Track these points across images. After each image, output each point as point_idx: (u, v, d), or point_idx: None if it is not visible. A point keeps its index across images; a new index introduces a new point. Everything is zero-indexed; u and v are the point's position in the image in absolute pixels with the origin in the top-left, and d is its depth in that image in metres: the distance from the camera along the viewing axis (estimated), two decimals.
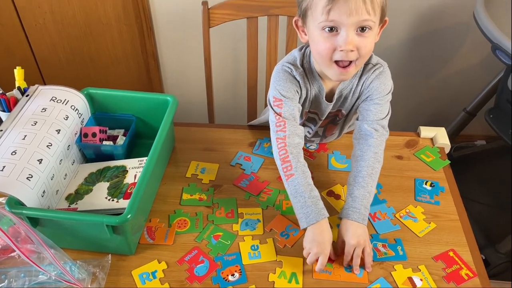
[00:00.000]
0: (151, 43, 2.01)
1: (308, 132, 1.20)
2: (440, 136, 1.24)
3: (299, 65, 1.02)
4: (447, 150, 1.23)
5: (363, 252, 0.94)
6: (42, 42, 2.04)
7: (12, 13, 1.93)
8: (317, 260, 0.92)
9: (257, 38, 1.49)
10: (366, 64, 1.02)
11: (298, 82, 1.02)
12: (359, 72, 1.03)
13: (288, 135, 1.00)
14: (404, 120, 2.30)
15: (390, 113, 1.06)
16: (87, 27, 1.98)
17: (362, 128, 1.03)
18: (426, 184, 1.13)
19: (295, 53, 1.05)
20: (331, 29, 0.88)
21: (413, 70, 2.10)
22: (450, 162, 1.19)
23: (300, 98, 1.04)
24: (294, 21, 0.98)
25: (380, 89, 1.02)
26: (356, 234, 0.94)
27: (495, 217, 2.03)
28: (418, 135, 1.27)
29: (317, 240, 0.93)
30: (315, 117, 1.13)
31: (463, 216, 1.06)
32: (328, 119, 1.13)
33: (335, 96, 1.05)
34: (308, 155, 1.21)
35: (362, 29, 0.88)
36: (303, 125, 1.17)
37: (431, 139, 1.26)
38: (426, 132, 1.26)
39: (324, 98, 1.05)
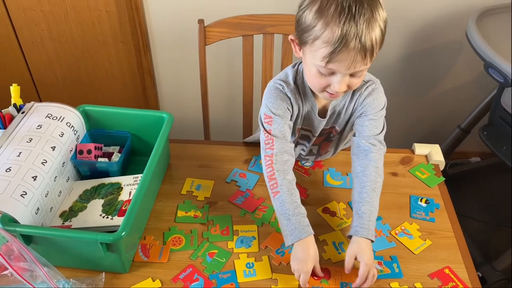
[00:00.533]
0: (148, 60, 2.02)
1: (303, 149, 1.20)
2: (434, 153, 1.24)
3: (291, 82, 1.03)
4: (441, 167, 1.23)
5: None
6: (39, 60, 2.05)
7: (9, 31, 1.94)
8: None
9: (252, 56, 1.50)
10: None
11: (289, 99, 1.03)
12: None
13: (275, 153, 1.00)
14: (399, 138, 2.31)
15: (385, 128, 1.07)
16: (84, 45, 1.99)
17: (360, 144, 1.04)
18: (421, 201, 1.13)
19: (288, 70, 1.05)
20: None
21: (407, 88, 2.12)
22: (445, 179, 1.19)
23: (292, 115, 1.05)
24: (290, 38, 0.98)
25: (374, 105, 1.03)
26: (371, 255, 0.94)
27: (491, 234, 2.02)
28: (413, 152, 1.27)
29: (299, 257, 0.93)
30: (308, 134, 1.14)
31: (458, 233, 1.06)
32: (322, 136, 1.14)
33: (328, 113, 1.06)
34: (303, 172, 1.21)
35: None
36: (297, 143, 1.18)
37: (426, 156, 1.26)
38: (421, 149, 1.27)
39: (316, 115, 1.06)
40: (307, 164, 1.23)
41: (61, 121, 1.09)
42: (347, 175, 1.20)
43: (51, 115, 1.10)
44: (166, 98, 2.21)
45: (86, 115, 1.17)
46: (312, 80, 0.95)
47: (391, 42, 1.93)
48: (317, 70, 0.91)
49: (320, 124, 1.08)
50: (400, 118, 2.24)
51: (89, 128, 1.19)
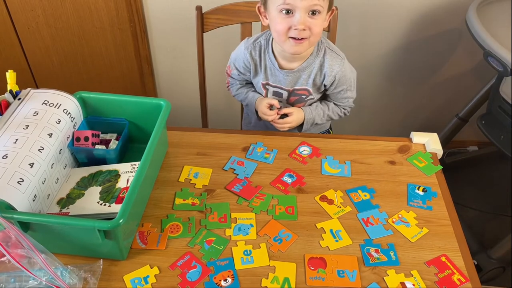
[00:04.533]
0: (145, 47, 2.00)
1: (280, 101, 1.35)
2: (432, 141, 1.24)
3: (255, 39, 1.28)
4: (439, 156, 1.23)
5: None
6: (35, 46, 2.03)
7: (5, 16, 1.92)
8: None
9: None
10: (322, 47, 1.25)
11: (249, 53, 1.28)
12: (315, 52, 1.24)
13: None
14: (397, 126, 2.31)
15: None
16: (81, 31, 1.97)
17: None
18: (418, 189, 1.13)
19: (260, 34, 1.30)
20: (287, 11, 1.10)
21: (405, 76, 2.11)
22: (442, 167, 1.19)
23: (250, 69, 1.31)
24: (257, 7, 1.19)
25: (345, 79, 1.27)
26: (298, 120, 1.29)
27: (487, 222, 2.04)
28: (411, 140, 1.27)
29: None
30: (279, 91, 1.31)
31: (455, 221, 1.06)
32: (295, 96, 1.31)
33: (295, 69, 1.25)
34: (301, 160, 1.21)
35: (313, 12, 1.09)
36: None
37: (424, 144, 1.26)
38: (419, 137, 1.27)
39: (278, 68, 1.26)
40: (305, 152, 1.23)
41: (57, 108, 1.09)
42: (345, 163, 1.20)
43: (48, 102, 1.09)
44: (163, 85, 2.20)
45: (83, 102, 1.16)
46: (278, 27, 1.13)
47: (390, 29, 1.92)
48: (279, 14, 1.10)
49: (286, 77, 1.27)
50: (398, 106, 2.24)
51: (86, 115, 1.18)
